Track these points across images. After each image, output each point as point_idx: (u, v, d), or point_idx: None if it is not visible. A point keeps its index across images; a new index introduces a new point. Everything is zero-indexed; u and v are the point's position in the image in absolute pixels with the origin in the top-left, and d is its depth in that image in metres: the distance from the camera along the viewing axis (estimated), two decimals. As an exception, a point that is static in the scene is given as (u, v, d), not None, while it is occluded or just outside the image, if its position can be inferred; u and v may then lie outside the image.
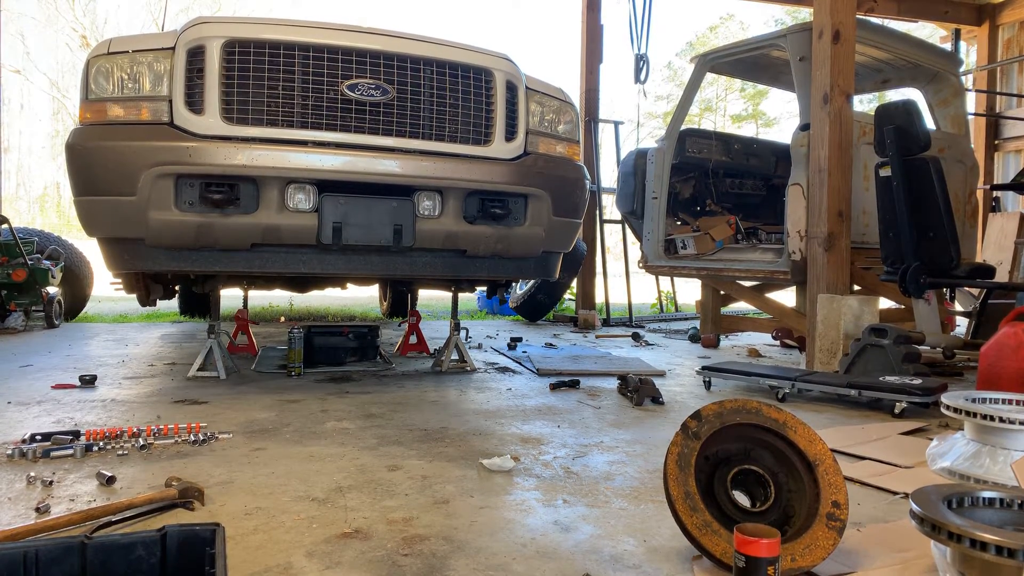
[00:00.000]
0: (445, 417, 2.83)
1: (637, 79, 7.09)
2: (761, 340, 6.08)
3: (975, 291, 5.03)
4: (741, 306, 7.00)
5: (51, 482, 1.91)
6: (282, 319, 7.27)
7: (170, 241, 2.90)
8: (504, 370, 4.10)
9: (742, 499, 1.55)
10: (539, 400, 3.23)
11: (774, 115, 32.65)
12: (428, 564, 1.46)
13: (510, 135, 3.29)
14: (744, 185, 6.46)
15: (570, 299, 8.16)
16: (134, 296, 3.85)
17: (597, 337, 6.13)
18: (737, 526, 1.23)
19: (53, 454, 2.15)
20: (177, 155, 2.77)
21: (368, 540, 1.58)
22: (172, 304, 7.19)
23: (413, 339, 4.73)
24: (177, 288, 4.75)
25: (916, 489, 1.32)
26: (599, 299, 7.82)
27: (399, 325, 6.54)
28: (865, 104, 19.52)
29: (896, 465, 2.19)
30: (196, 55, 2.84)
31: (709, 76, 6.06)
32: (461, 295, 4.62)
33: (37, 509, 1.70)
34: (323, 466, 2.12)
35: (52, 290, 5.92)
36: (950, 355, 4.18)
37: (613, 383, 3.68)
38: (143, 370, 3.82)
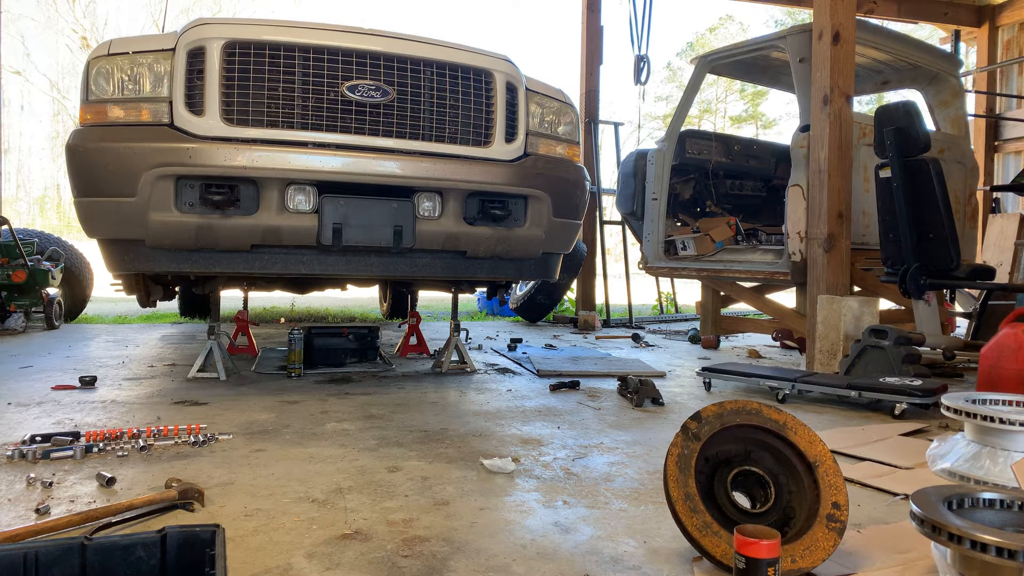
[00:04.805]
0: (445, 418, 2.83)
1: (637, 80, 7.09)
2: (761, 341, 6.08)
3: (975, 292, 5.03)
4: (741, 307, 7.00)
5: (51, 483, 1.91)
6: (282, 320, 7.27)
7: (170, 242, 2.89)
8: (504, 371, 4.10)
9: (742, 500, 1.55)
10: (539, 401, 3.23)
11: (773, 116, 32.72)
12: (428, 565, 1.46)
13: (510, 136, 3.29)
14: (744, 186, 6.47)
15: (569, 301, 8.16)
16: (134, 297, 3.85)
17: (597, 338, 6.13)
18: (737, 527, 1.23)
19: (53, 455, 2.15)
20: (177, 156, 2.77)
21: (368, 541, 1.58)
22: (172, 305, 7.19)
23: (413, 340, 4.73)
24: (177, 289, 4.74)
25: (916, 490, 1.32)
26: (599, 300, 7.82)
27: (399, 326, 6.54)
28: (865, 105, 19.53)
29: (896, 466, 2.19)
30: (196, 56, 2.85)
31: (709, 77, 6.06)
32: (461, 296, 4.62)
33: (37, 510, 1.70)
34: (323, 467, 2.12)
35: (52, 291, 5.92)
36: (950, 356, 4.18)
37: (613, 384, 3.68)
38: (143, 371, 3.82)
